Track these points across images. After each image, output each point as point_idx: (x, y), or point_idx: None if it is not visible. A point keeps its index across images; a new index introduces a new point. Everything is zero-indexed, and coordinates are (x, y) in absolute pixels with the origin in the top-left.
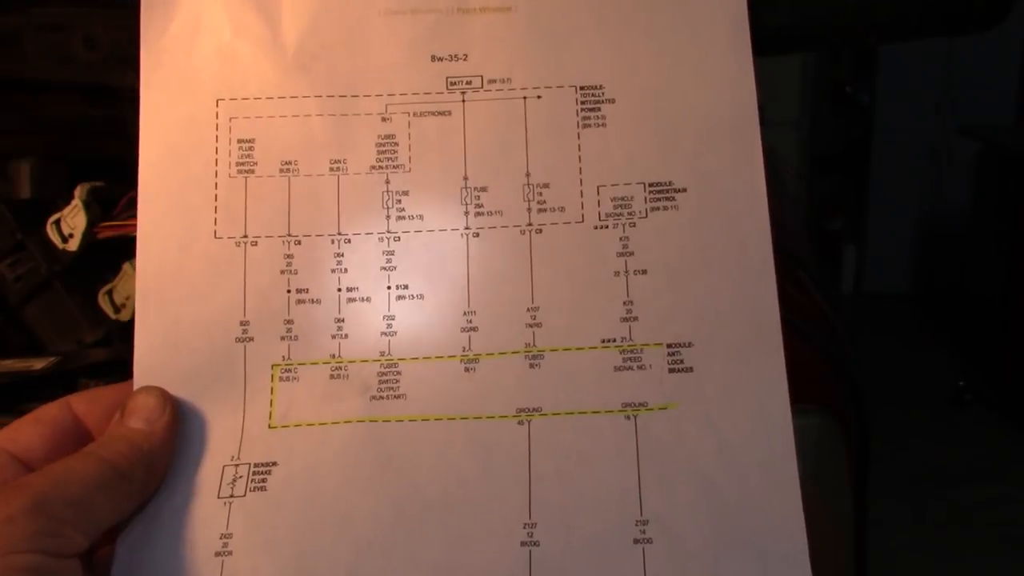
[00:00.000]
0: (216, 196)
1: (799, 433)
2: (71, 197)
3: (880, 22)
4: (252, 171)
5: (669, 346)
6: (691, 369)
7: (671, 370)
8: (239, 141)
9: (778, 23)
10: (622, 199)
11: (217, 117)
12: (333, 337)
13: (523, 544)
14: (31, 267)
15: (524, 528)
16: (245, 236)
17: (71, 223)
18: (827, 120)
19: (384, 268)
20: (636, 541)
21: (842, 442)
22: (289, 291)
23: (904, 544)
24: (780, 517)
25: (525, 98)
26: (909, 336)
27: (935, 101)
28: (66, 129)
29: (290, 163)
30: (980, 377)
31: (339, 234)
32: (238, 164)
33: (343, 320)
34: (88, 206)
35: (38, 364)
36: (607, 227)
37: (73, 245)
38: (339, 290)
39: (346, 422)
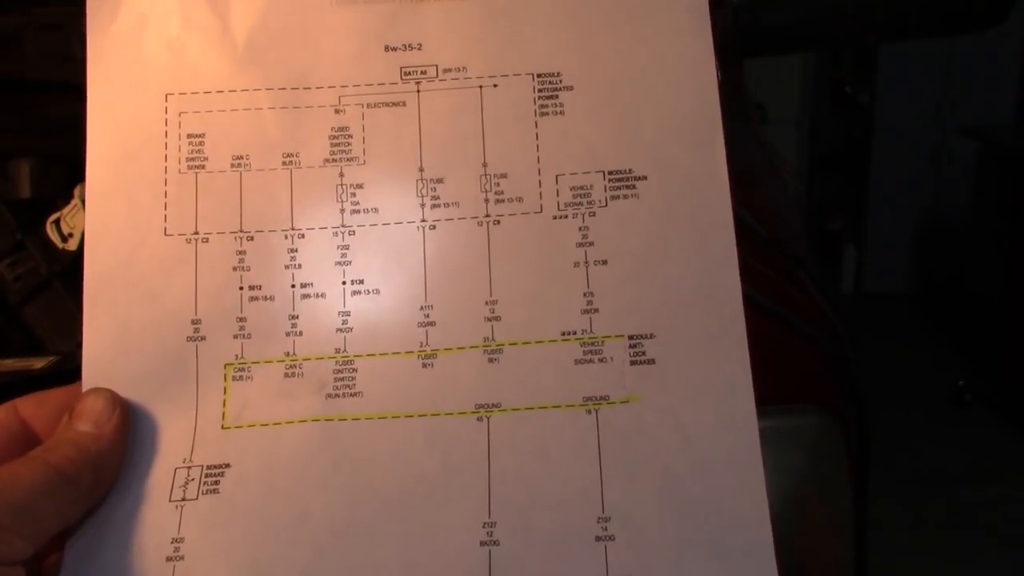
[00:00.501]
0: (166, 192)
1: (799, 433)
2: (71, 197)
3: (880, 22)
4: (203, 166)
5: (630, 338)
6: (653, 361)
7: (633, 362)
8: (189, 136)
9: (778, 23)
10: (581, 188)
11: (166, 112)
12: (287, 335)
13: (483, 544)
14: (31, 267)
15: (484, 527)
16: (196, 233)
17: (71, 223)
18: (827, 120)
19: (339, 263)
20: (598, 538)
21: (842, 442)
22: (242, 288)
23: (904, 544)
24: (745, 512)
25: (481, 87)
26: (909, 336)
27: (935, 101)
28: (66, 129)
29: (242, 157)
30: (980, 377)
31: (292, 229)
32: (188, 159)
33: (297, 317)
34: None
35: (38, 364)
36: (566, 217)
37: (73, 245)
38: (293, 286)
39: (301, 421)
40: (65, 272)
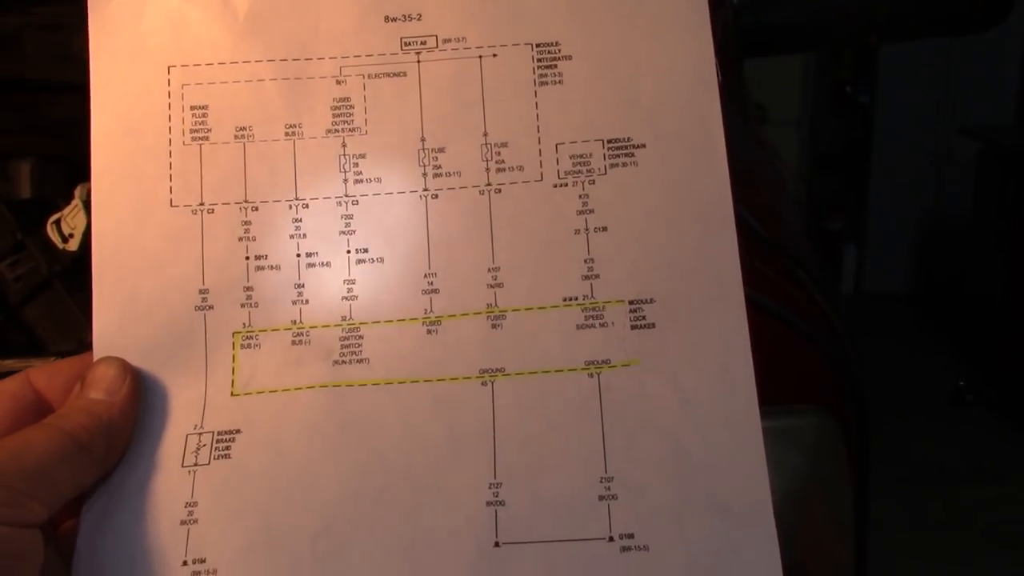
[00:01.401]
0: (171, 164)
1: (799, 433)
2: (71, 197)
3: (880, 22)
4: (206, 138)
5: (631, 303)
6: (653, 325)
7: (633, 327)
8: (192, 108)
9: (779, 23)
10: (581, 157)
11: (169, 84)
12: (294, 303)
13: (489, 504)
14: (31, 267)
15: (490, 488)
16: (201, 204)
17: (71, 223)
18: (827, 120)
19: (343, 232)
20: (601, 498)
21: (842, 442)
22: (248, 258)
23: (904, 544)
24: (743, 471)
25: (480, 57)
26: (909, 336)
27: (935, 101)
28: (66, 129)
29: (245, 129)
30: (980, 377)
31: (296, 199)
32: (192, 131)
33: (303, 285)
34: (88, 206)
35: (38, 364)
36: (566, 185)
37: (73, 245)
38: (298, 255)
39: (309, 388)
40: (66, 272)
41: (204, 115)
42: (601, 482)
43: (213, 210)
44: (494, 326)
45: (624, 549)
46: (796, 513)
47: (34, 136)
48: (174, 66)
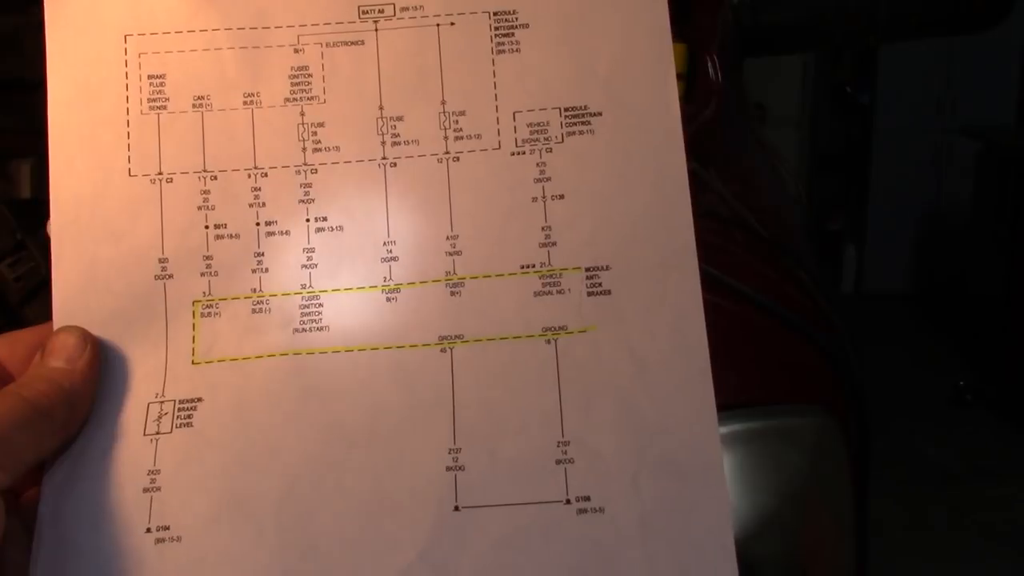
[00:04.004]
0: (128, 134)
1: (799, 433)
2: None
3: (880, 22)
4: (164, 107)
5: (587, 270)
6: (609, 292)
7: (590, 293)
8: (149, 77)
9: (779, 23)
10: (538, 125)
11: (126, 53)
12: (253, 271)
13: (448, 469)
14: (31, 267)
15: (449, 453)
16: (160, 173)
17: None
18: (827, 120)
19: (302, 201)
20: (558, 462)
21: (842, 442)
22: (207, 227)
23: (904, 544)
24: (696, 433)
25: (438, 25)
26: (909, 336)
27: (935, 101)
28: None
29: (203, 98)
30: (980, 377)
31: (255, 168)
32: (149, 100)
33: (263, 254)
34: None
35: None
36: (524, 153)
37: None
38: (257, 224)
39: (269, 356)
40: None
41: (162, 84)
42: (558, 446)
43: (172, 179)
44: (453, 293)
45: (580, 511)
46: (796, 513)
47: (34, 136)
48: (131, 35)
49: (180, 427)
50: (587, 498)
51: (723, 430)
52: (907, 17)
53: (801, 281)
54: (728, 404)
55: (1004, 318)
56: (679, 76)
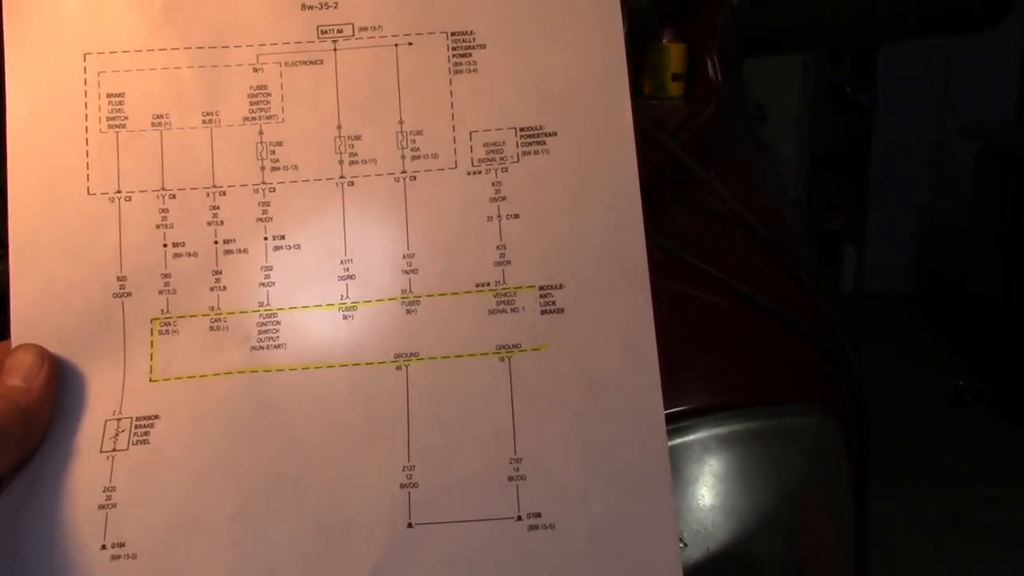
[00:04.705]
0: (87, 152)
1: (799, 433)
2: None
3: (880, 22)
4: (123, 125)
5: (541, 288)
6: (562, 310)
7: (543, 312)
8: (109, 95)
9: (778, 23)
10: (494, 144)
11: (85, 72)
12: (211, 289)
13: (402, 486)
14: None
15: (403, 471)
16: (119, 191)
17: None
18: (827, 120)
19: (260, 219)
20: (511, 478)
21: (842, 442)
22: (166, 245)
23: (904, 544)
24: (645, 450)
25: (396, 45)
26: (909, 336)
27: (935, 101)
28: None
29: (162, 116)
30: (980, 377)
31: (214, 187)
32: (108, 119)
33: (221, 272)
34: None
35: None
36: (480, 172)
37: None
38: (216, 242)
39: (227, 373)
40: None
41: (121, 102)
42: (511, 463)
43: (130, 198)
44: (409, 311)
45: (531, 528)
46: (796, 513)
47: None
48: (90, 53)
49: (137, 444)
50: (538, 514)
51: (723, 430)
52: (907, 17)
53: (801, 281)
54: (728, 404)
55: (1004, 318)
56: (679, 76)
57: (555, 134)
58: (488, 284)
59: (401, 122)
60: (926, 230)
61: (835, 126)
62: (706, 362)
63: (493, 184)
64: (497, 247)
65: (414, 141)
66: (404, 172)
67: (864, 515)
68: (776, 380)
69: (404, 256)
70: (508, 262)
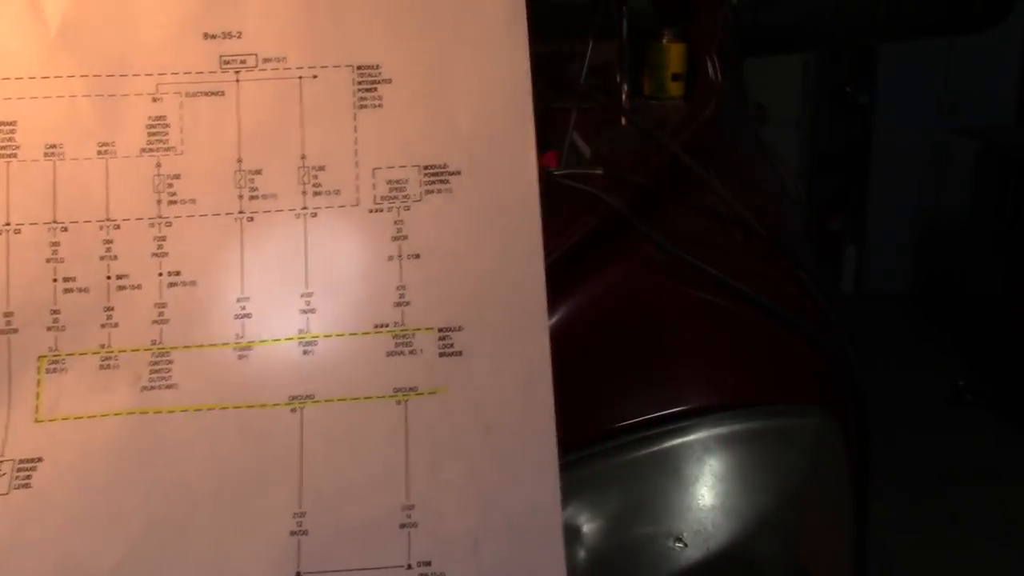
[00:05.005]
0: None
1: (799, 433)
2: None
3: (880, 22)
4: (14, 155)
5: (440, 330)
6: (460, 353)
7: (441, 354)
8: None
9: (778, 23)
10: (397, 182)
11: None
12: (103, 326)
13: (292, 534)
14: None
15: (294, 518)
16: (8, 224)
17: None
18: (827, 120)
19: (155, 254)
20: (402, 525)
21: (842, 442)
22: (56, 280)
23: (904, 544)
24: (538, 497)
25: (301, 78)
26: (909, 336)
27: (935, 101)
28: None
29: (55, 146)
30: (980, 377)
31: (108, 220)
32: None
33: (113, 308)
34: None
35: None
36: (382, 210)
37: None
38: (108, 278)
39: (116, 414)
40: None
41: (12, 131)
42: (403, 510)
43: (20, 230)
44: (305, 352)
45: None
46: (796, 513)
47: None
48: None
49: (18, 488)
50: (428, 563)
51: (723, 430)
52: (907, 17)
53: (801, 281)
54: (728, 404)
55: (1003, 318)
56: (679, 76)
57: (459, 173)
58: (387, 325)
59: (303, 157)
60: (926, 230)
61: (835, 126)
62: (706, 362)
63: (395, 223)
64: (397, 288)
65: (316, 176)
66: (305, 208)
67: (864, 515)
68: (776, 380)
69: (302, 295)
70: (408, 303)
